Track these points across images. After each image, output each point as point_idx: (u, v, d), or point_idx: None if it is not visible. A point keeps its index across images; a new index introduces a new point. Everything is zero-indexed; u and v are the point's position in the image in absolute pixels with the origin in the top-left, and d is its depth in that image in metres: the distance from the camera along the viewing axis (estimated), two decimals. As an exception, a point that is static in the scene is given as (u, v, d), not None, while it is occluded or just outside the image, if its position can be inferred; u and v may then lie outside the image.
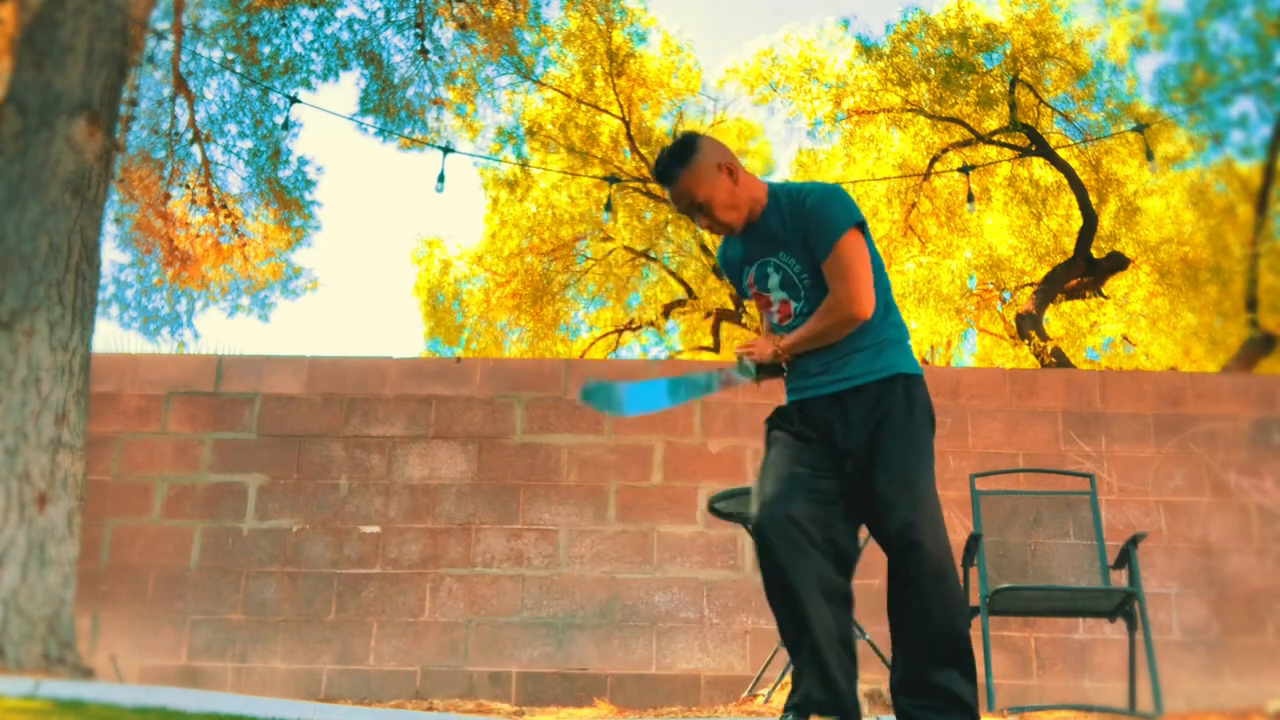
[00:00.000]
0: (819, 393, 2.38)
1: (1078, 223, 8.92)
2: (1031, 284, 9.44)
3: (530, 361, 5.72)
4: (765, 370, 2.47)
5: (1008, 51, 8.65)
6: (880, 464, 2.28)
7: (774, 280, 2.40)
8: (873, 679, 4.26)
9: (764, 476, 2.32)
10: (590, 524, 5.05)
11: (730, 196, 2.32)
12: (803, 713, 2.18)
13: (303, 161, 8.64)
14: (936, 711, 2.21)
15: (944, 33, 8.69)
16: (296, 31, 8.06)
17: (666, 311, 11.58)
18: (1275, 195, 8.77)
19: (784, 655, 4.54)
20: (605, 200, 7.82)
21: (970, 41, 8.55)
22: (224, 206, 8.32)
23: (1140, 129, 6.80)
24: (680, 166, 2.31)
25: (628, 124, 10.09)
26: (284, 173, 8.54)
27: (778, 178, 12.21)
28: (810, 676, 2.18)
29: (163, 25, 7.12)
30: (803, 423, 2.39)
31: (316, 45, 8.10)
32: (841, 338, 2.35)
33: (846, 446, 2.34)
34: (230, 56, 8.07)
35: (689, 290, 11.28)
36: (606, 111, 10.15)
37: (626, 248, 10.82)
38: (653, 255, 11.30)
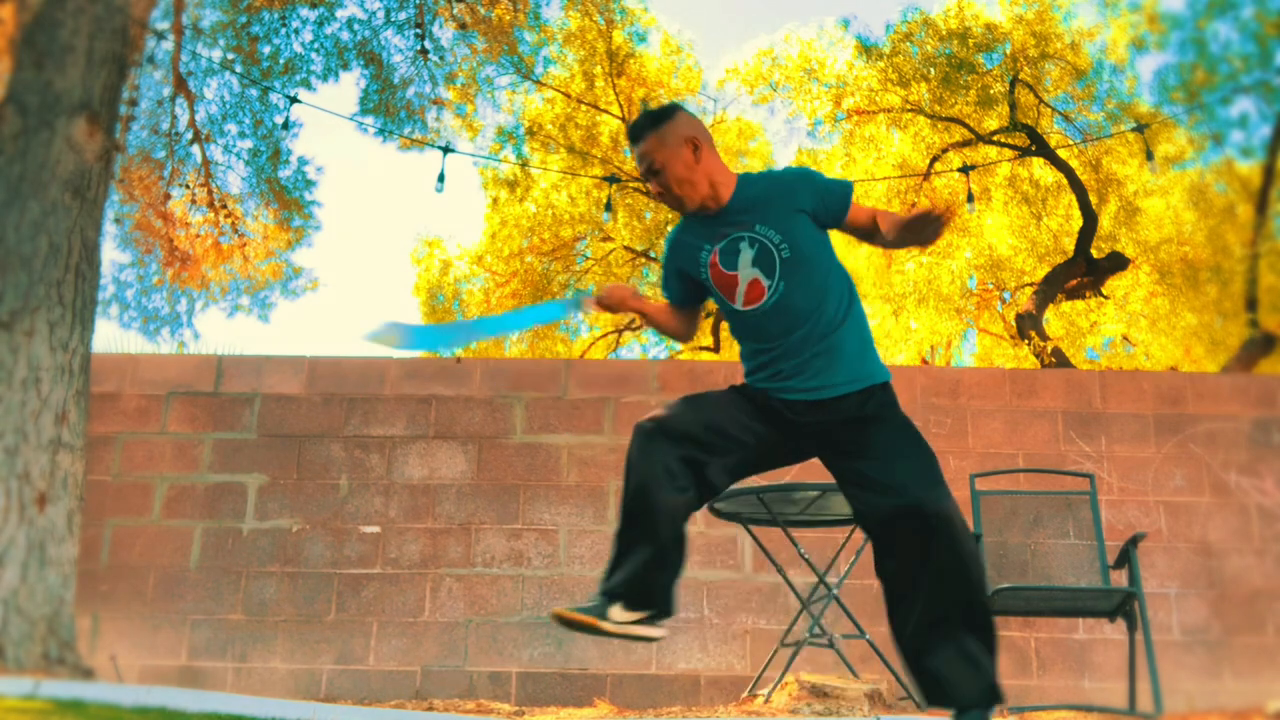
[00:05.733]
0: (799, 398, 2.34)
1: (1078, 223, 8.93)
2: (1031, 284, 9.44)
3: (530, 361, 5.72)
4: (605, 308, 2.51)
5: (1008, 51, 8.65)
6: (879, 452, 2.28)
7: (746, 256, 2.34)
8: (872, 679, 4.26)
9: (688, 401, 2.38)
10: (590, 524, 5.05)
11: (687, 170, 2.36)
12: (614, 599, 2.30)
13: (303, 161, 8.65)
14: (963, 678, 2.16)
15: (944, 33, 8.69)
16: (296, 31, 8.06)
17: (666, 311, 11.55)
18: (1275, 195, 8.77)
19: (784, 655, 4.54)
20: (605, 200, 7.82)
21: (970, 41, 8.55)
22: (224, 206, 8.31)
23: (1140, 129, 6.80)
24: (650, 129, 2.39)
25: (628, 124, 10.09)
26: (284, 173, 8.54)
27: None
28: (633, 568, 2.31)
29: (163, 25, 7.12)
30: (765, 406, 2.37)
31: (316, 45, 8.11)
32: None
33: (821, 446, 2.36)
34: (230, 56, 8.08)
35: (689, 290, 11.24)
36: (606, 111, 10.16)
37: (626, 248, 10.83)
38: (653, 255, 11.30)
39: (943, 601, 2.18)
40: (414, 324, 2.60)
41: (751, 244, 2.34)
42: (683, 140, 2.37)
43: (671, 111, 2.43)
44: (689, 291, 2.54)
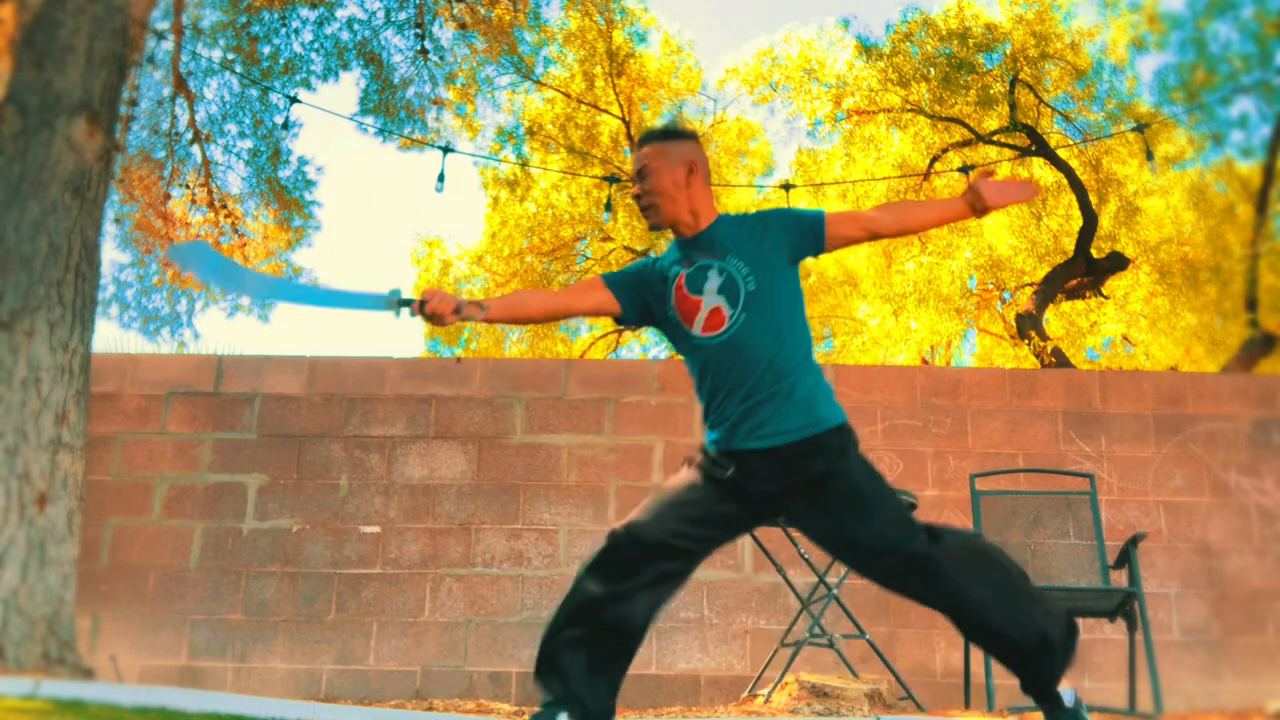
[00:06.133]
0: (751, 446, 2.30)
1: (1078, 223, 8.93)
2: (1031, 284, 9.44)
3: (530, 361, 5.72)
4: (428, 318, 2.39)
5: (1008, 51, 8.65)
6: (845, 513, 2.28)
7: (712, 283, 2.36)
8: (872, 679, 4.26)
9: (656, 505, 2.35)
10: (590, 524, 5.05)
11: (672, 187, 2.43)
12: (560, 709, 2.26)
13: (303, 161, 8.64)
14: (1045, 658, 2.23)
15: (944, 33, 8.69)
16: (296, 31, 8.06)
17: (666, 311, 11.54)
18: (1275, 195, 8.77)
19: (784, 655, 4.54)
20: (605, 200, 7.81)
21: (970, 41, 8.55)
22: (224, 206, 8.31)
23: (1140, 129, 6.80)
24: (659, 140, 2.48)
25: (628, 124, 10.09)
26: (284, 173, 8.54)
27: (777, 178, 12.22)
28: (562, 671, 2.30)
29: (163, 25, 7.12)
30: (724, 472, 2.33)
31: (316, 45, 8.11)
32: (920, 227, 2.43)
33: (781, 507, 2.35)
34: (230, 56, 8.08)
35: (689, 290, 11.21)
36: (606, 111, 10.16)
37: (626, 248, 10.83)
38: (653, 255, 11.30)
39: (986, 609, 2.24)
40: (219, 258, 2.57)
41: (720, 272, 2.36)
42: (682, 160, 2.44)
43: (686, 135, 2.52)
44: (635, 300, 2.50)
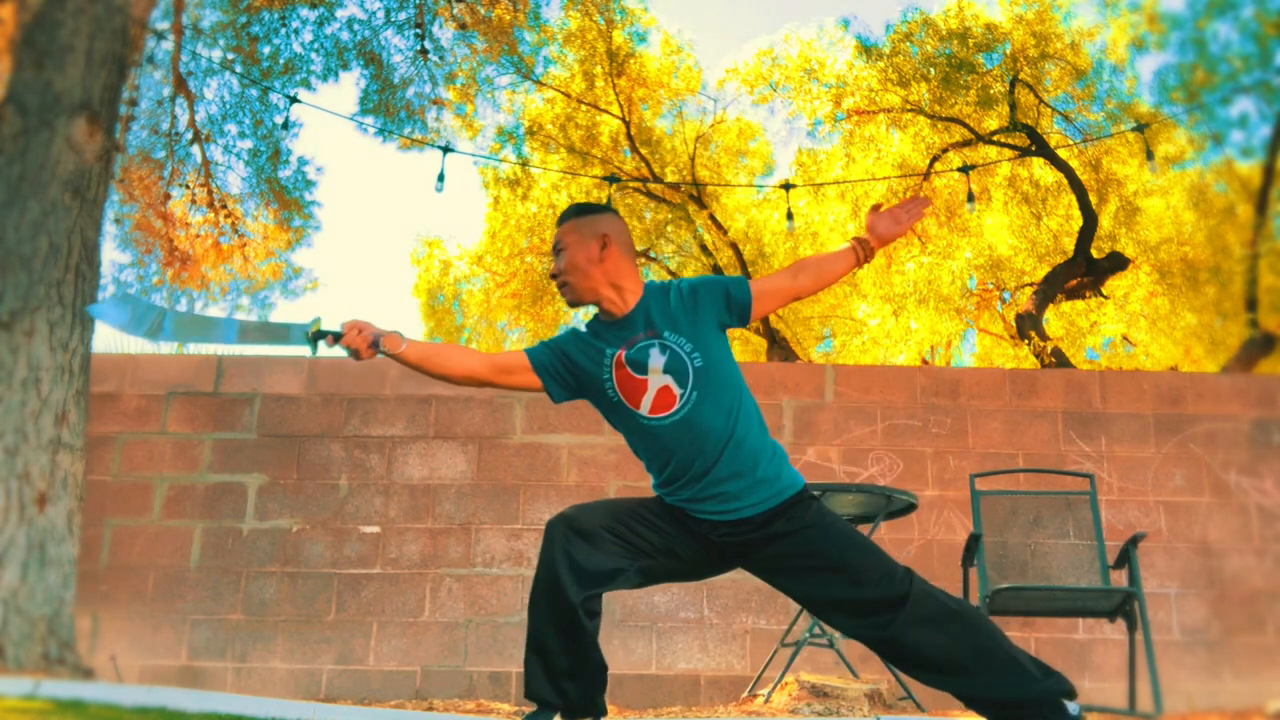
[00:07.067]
0: (715, 519, 2.32)
1: (1078, 223, 8.92)
2: (1031, 284, 9.44)
3: (530, 361, 5.71)
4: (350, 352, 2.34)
5: (1008, 51, 8.65)
6: (816, 571, 2.28)
7: (656, 361, 2.30)
8: (872, 679, 4.26)
9: (606, 503, 2.37)
10: (590, 524, 5.05)
11: (586, 262, 2.37)
12: (552, 711, 2.37)
13: (303, 161, 8.65)
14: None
15: (944, 33, 8.69)
16: (296, 31, 8.06)
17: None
18: (1275, 195, 8.77)
19: (784, 655, 4.54)
20: (605, 200, 7.81)
21: (970, 41, 8.55)
22: (224, 206, 8.32)
23: (1140, 129, 6.79)
24: (573, 216, 2.45)
25: (628, 124, 10.09)
26: (284, 173, 8.54)
27: (777, 178, 12.22)
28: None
29: (163, 25, 7.12)
30: (680, 527, 2.35)
31: (316, 45, 8.11)
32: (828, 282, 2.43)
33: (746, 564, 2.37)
34: (230, 56, 8.08)
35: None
36: (606, 111, 10.15)
37: (626, 248, 10.78)
38: (653, 255, 11.31)
39: (959, 665, 2.17)
40: (139, 305, 2.50)
41: (663, 350, 2.31)
42: (596, 234, 2.39)
43: (599, 209, 2.48)
44: (561, 382, 2.44)
